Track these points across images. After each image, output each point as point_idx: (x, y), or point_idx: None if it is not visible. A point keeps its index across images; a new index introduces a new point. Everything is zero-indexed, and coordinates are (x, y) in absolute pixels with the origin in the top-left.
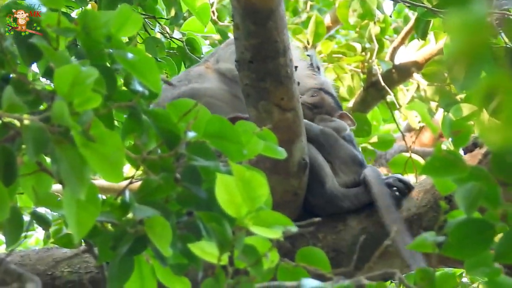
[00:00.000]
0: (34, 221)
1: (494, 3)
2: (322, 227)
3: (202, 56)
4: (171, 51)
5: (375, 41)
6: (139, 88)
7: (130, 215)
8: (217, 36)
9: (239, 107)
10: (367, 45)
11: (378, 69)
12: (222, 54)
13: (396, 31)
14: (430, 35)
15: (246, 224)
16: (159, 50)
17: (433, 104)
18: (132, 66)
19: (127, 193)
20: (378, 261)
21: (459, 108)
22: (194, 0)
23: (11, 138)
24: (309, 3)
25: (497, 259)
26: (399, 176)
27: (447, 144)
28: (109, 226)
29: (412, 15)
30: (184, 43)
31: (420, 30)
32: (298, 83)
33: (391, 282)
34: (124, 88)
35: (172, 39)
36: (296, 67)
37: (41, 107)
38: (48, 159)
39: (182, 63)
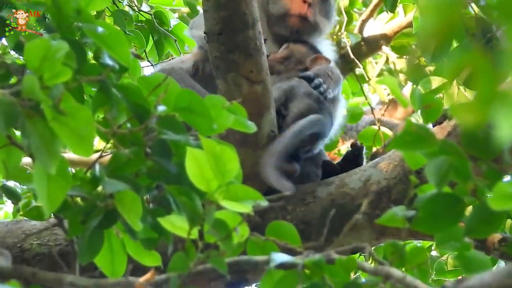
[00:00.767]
0: (3, 194)
1: None
2: (291, 200)
3: (170, 29)
4: (140, 24)
5: (344, 13)
6: (109, 61)
7: (100, 189)
8: (186, 9)
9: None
10: (336, 18)
11: (347, 41)
12: (197, 21)
13: (365, 4)
14: (399, 8)
15: (216, 198)
16: (128, 23)
17: (402, 77)
18: (101, 39)
19: (97, 167)
20: (347, 233)
21: (428, 81)
22: None
23: None
24: None
25: (467, 233)
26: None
27: (416, 117)
28: (79, 200)
29: None
30: (153, 16)
31: (389, 3)
32: (268, 56)
33: (361, 255)
34: (93, 61)
35: (141, 12)
36: (265, 40)
37: (11, 81)
38: (18, 133)
39: (150, 36)
